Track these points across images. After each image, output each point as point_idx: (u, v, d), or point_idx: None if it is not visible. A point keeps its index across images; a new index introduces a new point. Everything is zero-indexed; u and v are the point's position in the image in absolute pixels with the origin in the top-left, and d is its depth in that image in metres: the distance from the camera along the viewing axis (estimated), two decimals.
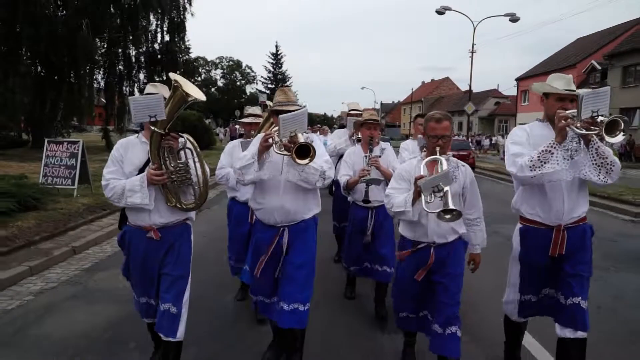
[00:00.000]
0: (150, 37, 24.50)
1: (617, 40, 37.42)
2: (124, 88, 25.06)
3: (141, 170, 3.31)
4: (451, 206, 2.95)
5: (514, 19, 27.19)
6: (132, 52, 24.77)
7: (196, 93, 3.21)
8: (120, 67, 24.82)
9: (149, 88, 3.48)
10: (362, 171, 4.80)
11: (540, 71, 44.62)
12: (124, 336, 4.31)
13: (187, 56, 29.17)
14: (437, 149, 3.39)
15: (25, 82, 21.03)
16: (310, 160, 3.19)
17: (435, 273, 3.48)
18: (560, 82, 3.33)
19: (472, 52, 30.18)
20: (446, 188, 3.01)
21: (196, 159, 3.35)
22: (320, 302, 5.03)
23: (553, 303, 3.47)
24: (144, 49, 24.89)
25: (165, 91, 3.36)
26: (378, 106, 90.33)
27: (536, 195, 3.39)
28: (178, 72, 24.07)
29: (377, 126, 5.10)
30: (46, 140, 10.30)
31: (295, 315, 3.43)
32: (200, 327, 4.43)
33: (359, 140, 5.77)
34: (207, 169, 3.42)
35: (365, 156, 4.96)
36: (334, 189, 6.76)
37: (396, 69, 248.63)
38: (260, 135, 3.48)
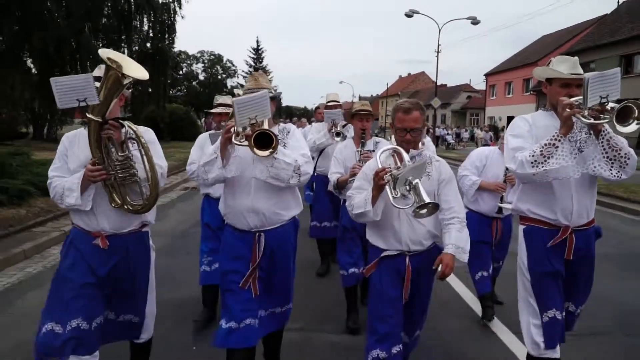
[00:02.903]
0: (142, 38, 26.62)
1: (575, 38, 39.86)
2: None
3: None
4: (426, 199, 2.56)
5: (475, 22, 30.06)
6: (126, 52, 26.89)
7: (136, 72, 2.77)
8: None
9: (95, 71, 2.99)
10: (353, 168, 4.20)
11: (506, 67, 47.51)
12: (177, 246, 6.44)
13: (171, 52, 31.32)
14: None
15: (28, 79, 23.13)
16: (273, 152, 2.76)
17: (411, 283, 3.02)
18: (564, 66, 2.94)
19: (438, 52, 33.01)
20: (415, 181, 2.63)
21: (142, 151, 2.85)
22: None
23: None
24: (136, 49, 27.00)
25: None
26: (357, 99, 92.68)
27: (541, 193, 2.99)
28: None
29: (370, 117, 4.62)
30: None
31: (272, 317, 3.23)
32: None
33: (337, 134, 5.53)
34: (163, 163, 3.05)
35: (358, 151, 4.46)
36: (314, 185, 6.25)
37: (374, 63, 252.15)
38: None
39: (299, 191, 3.38)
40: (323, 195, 5.67)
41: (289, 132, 3.23)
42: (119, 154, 2.82)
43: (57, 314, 2.81)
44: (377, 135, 5.29)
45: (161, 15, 25.94)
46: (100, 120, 2.75)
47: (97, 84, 2.73)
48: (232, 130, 2.88)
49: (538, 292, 3.00)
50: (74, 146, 2.99)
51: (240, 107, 2.77)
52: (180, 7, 26.80)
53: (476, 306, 4.99)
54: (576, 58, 2.98)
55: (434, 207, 2.62)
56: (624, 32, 31.31)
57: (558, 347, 3.02)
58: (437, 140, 40.02)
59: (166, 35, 26.75)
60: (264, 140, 2.75)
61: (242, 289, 3.07)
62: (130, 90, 3.26)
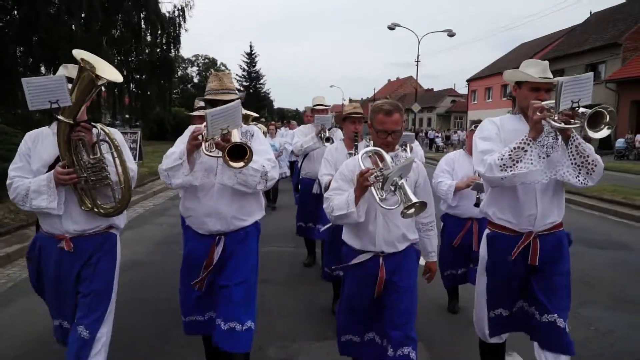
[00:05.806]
0: (149, 49, 29.05)
1: (549, 47, 42.40)
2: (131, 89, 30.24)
3: (51, 168, 2.79)
4: (414, 199, 2.51)
5: (451, 34, 32.97)
6: (134, 60, 29.57)
7: (110, 74, 2.73)
8: (124, 73, 29.53)
9: (60, 70, 2.96)
10: None
11: (486, 74, 50.02)
12: None
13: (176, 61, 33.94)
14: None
15: None
16: (246, 164, 2.71)
17: (385, 286, 2.96)
18: (535, 69, 2.90)
19: (417, 61, 35.85)
20: (401, 180, 2.58)
21: (115, 154, 2.80)
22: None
23: (527, 319, 3.04)
24: (145, 58, 29.57)
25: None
26: (347, 102, 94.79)
27: (506, 197, 2.98)
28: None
29: (361, 120, 4.61)
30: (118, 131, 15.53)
31: (232, 335, 2.94)
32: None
33: (327, 140, 5.55)
34: (134, 167, 2.97)
35: (349, 153, 4.47)
36: (299, 186, 6.39)
37: (365, 66, 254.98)
38: (192, 128, 2.98)
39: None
40: (308, 197, 5.96)
41: (252, 135, 3.17)
42: (91, 156, 2.77)
43: (51, 310, 3.10)
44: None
45: (168, 28, 28.46)
46: (71, 122, 2.70)
47: (69, 85, 2.68)
48: (199, 137, 2.83)
49: (490, 294, 3.09)
50: (37, 145, 2.90)
51: (213, 119, 2.66)
52: (184, 21, 29.34)
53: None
54: (546, 62, 2.95)
55: (422, 206, 2.57)
56: (590, 42, 34.26)
57: (504, 335, 3.24)
58: (431, 143, 42.61)
59: (172, 46, 29.30)
60: (238, 152, 2.68)
61: (198, 289, 3.16)
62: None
